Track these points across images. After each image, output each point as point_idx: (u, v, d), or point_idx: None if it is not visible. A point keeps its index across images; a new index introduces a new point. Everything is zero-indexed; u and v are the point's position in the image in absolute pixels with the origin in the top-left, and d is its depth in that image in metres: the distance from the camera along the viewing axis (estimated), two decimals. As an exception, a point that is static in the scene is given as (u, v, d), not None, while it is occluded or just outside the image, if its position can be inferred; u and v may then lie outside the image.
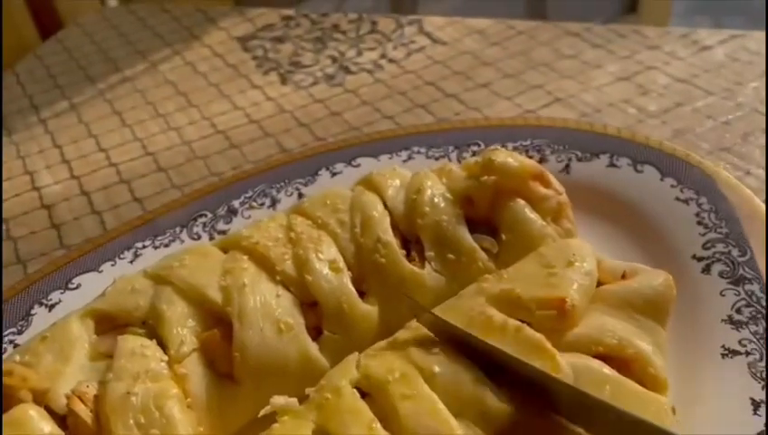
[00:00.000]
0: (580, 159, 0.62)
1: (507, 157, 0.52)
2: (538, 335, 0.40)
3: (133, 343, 0.45)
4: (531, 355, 0.39)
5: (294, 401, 0.41)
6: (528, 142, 0.64)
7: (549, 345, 0.39)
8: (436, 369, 0.39)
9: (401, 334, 0.44)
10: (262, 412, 0.41)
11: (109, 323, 0.49)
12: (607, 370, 0.39)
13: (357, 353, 0.43)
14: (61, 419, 0.44)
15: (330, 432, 0.37)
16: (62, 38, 1.12)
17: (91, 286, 0.56)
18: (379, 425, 0.37)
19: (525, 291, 0.42)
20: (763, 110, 0.73)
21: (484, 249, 0.50)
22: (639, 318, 0.41)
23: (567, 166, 0.62)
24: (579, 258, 0.44)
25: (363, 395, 0.39)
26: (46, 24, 1.20)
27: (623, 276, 0.44)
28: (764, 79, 0.77)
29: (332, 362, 0.48)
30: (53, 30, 1.18)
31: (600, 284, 0.44)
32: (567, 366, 0.39)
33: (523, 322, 0.41)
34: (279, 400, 0.41)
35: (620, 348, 0.39)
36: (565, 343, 0.40)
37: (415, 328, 0.44)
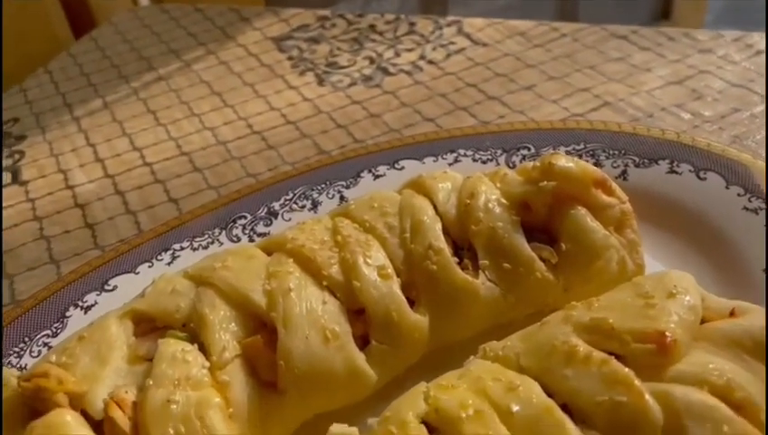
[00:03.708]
0: (637, 165, 0.59)
1: (568, 162, 0.49)
2: (626, 370, 0.36)
3: (174, 348, 0.43)
4: (615, 391, 0.35)
5: (355, 430, 0.38)
6: (581, 146, 0.61)
7: (637, 382, 0.35)
8: (514, 408, 0.35)
9: (476, 366, 0.40)
10: None
11: (148, 325, 0.47)
12: (726, 409, 0.34)
13: (425, 383, 0.40)
14: (96, 424, 0.42)
15: None
16: (96, 36, 1.12)
17: (128, 288, 0.55)
18: None
19: (620, 322, 0.38)
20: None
21: (542, 259, 0.47)
22: (749, 360, 0.37)
23: (624, 172, 0.59)
24: (681, 290, 0.40)
25: (431, 430, 0.36)
26: (80, 23, 1.20)
27: (731, 314, 0.40)
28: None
29: (380, 373, 0.46)
30: (87, 29, 1.17)
31: (703, 322, 0.40)
32: (656, 407, 0.35)
33: (612, 354, 0.37)
34: (338, 428, 0.38)
35: (729, 390, 0.35)
36: (664, 380, 0.36)
37: (491, 357, 0.41)
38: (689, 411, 0.34)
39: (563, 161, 0.48)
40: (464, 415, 0.35)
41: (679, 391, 0.35)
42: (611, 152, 0.60)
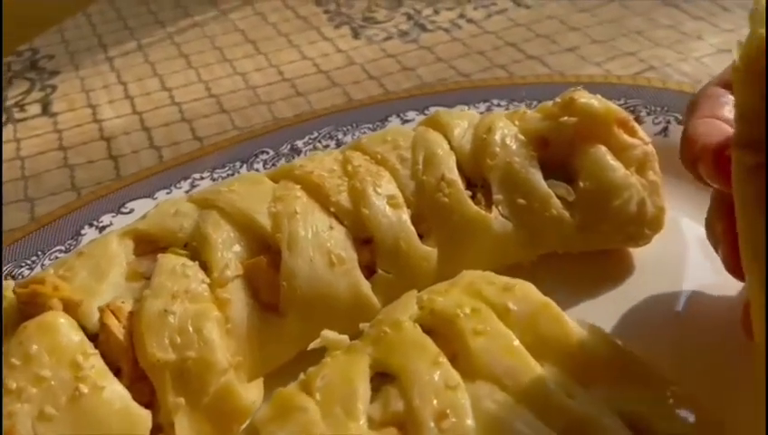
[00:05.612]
0: (680, 122, 0.55)
1: (591, 98, 0.46)
2: None
3: (174, 262, 0.42)
4: None
5: (345, 337, 0.37)
6: (622, 101, 0.57)
7: None
8: (511, 306, 0.34)
9: (467, 274, 0.39)
10: (311, 345, 0.36)
11: (149, 246, 0.46)
12: None
13: (415, 291, 0.38)
14: (91, 337, 0.41)
15: (390, 366, 0.33)
16: (136, -16, 1.12)
17: (144, 212, 0.54)
18: (446, 359, 0.32)
19: None
20: None
21: (558, 197, 0.45)
22: None
23: (665, 129, 0.55)
24: None
25: (426, 332, 0.35)
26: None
27: None
28: None
29: (384, 303, 0.43)
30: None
31: None
32: None
33: None
34: (330, 334, 0.37)
35: None
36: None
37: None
38: None
39: (586, 97, 0.46)
40: (461, 314, 0.34)
41: None
42: (653, 109, 0.57)
